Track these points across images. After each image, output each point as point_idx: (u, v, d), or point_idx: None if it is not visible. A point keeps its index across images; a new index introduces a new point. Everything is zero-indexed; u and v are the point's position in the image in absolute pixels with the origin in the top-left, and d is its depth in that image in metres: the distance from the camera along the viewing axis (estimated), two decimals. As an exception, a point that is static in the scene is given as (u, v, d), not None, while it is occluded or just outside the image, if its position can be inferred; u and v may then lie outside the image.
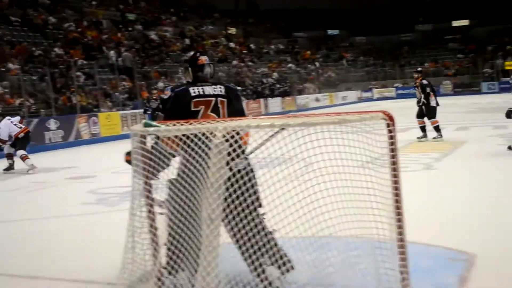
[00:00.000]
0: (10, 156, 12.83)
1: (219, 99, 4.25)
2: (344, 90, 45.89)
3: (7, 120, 12.96)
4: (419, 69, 15.14)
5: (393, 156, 3.55)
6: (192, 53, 4.57)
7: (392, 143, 3.53)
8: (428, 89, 14.02)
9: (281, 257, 3.82)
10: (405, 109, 19.48)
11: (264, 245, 3.64)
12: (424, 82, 14.16)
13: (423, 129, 13.75)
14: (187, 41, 37.06)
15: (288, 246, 3.62)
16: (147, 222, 3.98)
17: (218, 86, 4.33)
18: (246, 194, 3.53)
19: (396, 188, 3.55)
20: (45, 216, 7.65)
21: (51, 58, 23.44)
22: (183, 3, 47.10)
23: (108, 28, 32.54)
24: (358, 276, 3.64)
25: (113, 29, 32.69)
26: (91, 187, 9.58)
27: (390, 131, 3.52)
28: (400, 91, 46.01)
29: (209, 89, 4.26)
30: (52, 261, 5.42)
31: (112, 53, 27.04)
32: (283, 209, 3.44)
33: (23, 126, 13.14)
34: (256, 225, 3.58)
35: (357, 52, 56.26)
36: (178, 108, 4.13)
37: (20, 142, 12.69)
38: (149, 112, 18.08)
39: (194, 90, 4.22)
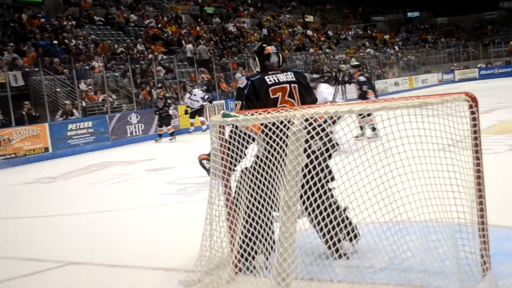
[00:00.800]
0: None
1: (292, 84, 4.42)
2: (424, 73, 44.78)
3: None
4: (355, 63, 13.35)
5: (476, 138, 3.45)
6: (259, 44, 4.77)
7: (474, 125, 3.44)
8: (365, 87, 12.66)
9: (352, 230, 4.00)
10: (489, 90, 18.83)
11: (337, 220, 3.66)
12: (361, 78, 12.77)
13: (362, 127, 11.70)
14: (265, 31, 37.16)
15: (366, 231, 3.58)
16: (225, 211, 4.05)
17: (289, 73, 4.51)
18: (320, 172, 3.55)
19: (478, 171, 3.45)
20: (126, 207, 7.88)
21: (132, 54, 24.06)
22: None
23: (187, 23, 33.07)
24: (437, 261, 3.57)
25: (192, 23, 33.20)
26: (170, 178, 9.79)
27: (472, 113, 3.43)
28: (483, 72, 44.53)
29: (282, 77, 4.44)
30: (132, 250, 5.58)
31: (189, 46, 27.46)
32: (362, 194, 3.41)
33: None
34: (328, 201, 3.61)
35: (438, 33, 54.74)
36: (256, 95, 4.23)
37: None
38: (157, 113, 18.78)
39: (269, 79, 4.38)
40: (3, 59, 18.70)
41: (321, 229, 3.68)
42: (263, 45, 4.70)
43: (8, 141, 15.42)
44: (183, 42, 28.51)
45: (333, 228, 3.60)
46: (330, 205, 3.60)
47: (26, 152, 15.51)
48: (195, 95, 19.98)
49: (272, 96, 4.31)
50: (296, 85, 4.43)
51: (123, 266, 5.08)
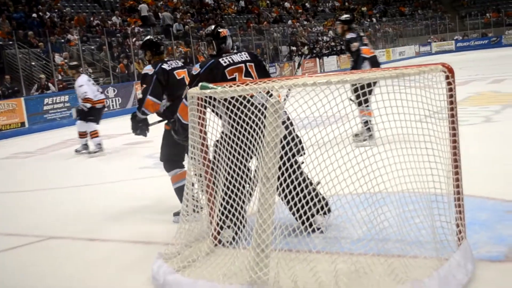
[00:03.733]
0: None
1: (247, 64, 4.53)
2: (401, 46, 44.89)
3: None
4: (342, 17, 9.29)
5: (452, 109, 3.49)
6: (213, 27, 4.83)
7: (451, 96, 3.47)
8: (356, 45, 8.57)
9: (326, 205, 4.09)
10: (465, 62, 18.95)
11: (310, 195, 3.69)
12: (349, 36, 8.66)
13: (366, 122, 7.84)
14: (242, 3, 36.90)
15: (343, 202, 3.62)
16: (203, 183, 4.06)
17: (242, 53, 4.64)
18: (287, 145, 3.57)
19: (454, 141, 3.50)
20: (103, 181, 7.86)
21: (108, 27, 23.78)
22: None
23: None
24: (413, 230, 3.62)
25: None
26: (149, 151, 9.75)
27: (449, 83, 3.46)
28: (459, 44, 44.78)
29: (236, 57, 4.55)
30: (111, 224, 5.60)
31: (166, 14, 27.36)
32: (338, 165, 3.44)
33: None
34: (296, 174, 3.63)
35: (415, 5, 54.79)
36: (213, 80, 4.14)
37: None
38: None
39: (224, 61, 4.47)
40: (-24, 32, 18.43)
41: (295, 204, 3.70)
42: (218, 28, 4.78)
43: (-17, 115, 15.26)
44: (159, 14, 28.23)
45: (307, 203, 3.62)
46: (299, 179, 3.62)
47: (2, 127, 15.34)
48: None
49: (229, 77, 4.39)
50: (252, 64, 4.54)
51: (102, 240, 5.10)
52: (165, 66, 5.61)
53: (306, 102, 3.45)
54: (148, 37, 6.09)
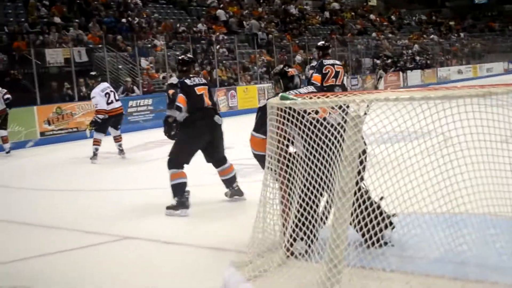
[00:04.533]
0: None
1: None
2: (489, 62, 43.48)
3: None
4: (319, 43, 9.80)
5: (541, 131, 3.34)
6: (281, 66, 5.05)
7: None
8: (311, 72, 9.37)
9: (388, 217, 3.89)
10: (558, 82, 18.09)
11: (377, 209, 3.59)
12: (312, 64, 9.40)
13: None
14: (327, 14, 36.78)
15: (420, 222, 3.52)
16: (279, 194, 4.05)
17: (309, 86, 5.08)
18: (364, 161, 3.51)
19: (542, 165, 3.35)
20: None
21: (194, 34, 24.22)
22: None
23: (249, 3, 33.03)
24: (494, 255, 3.48)
25: (254, 4, 33.15)
26: (228, 158, 9.79)
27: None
28: (552, 62, 43.02)
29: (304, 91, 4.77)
30: (187, 228, 5.68)
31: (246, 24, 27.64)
32: (418, 184, 3.35)
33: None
34: (366, 190, 3.55)
35: (506, 21, 52.99)
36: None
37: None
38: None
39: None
40: (69, 35, 19.12)
41: (363, 219, 3.58)
42: (286, 67, 4.93)
43: (71, 115, 15.82)
44: (244, 22, 28.53)
45: (375, 217, 3.52)
46: (367, 193, 3.55)
47: (87, 126, 15.84)
48: None
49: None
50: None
51: (177, 244, 5.17)
52: (187, 81, 6.54)
53: (388, 117, 3.39)
54: (181, 56, 6.75)
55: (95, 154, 11.07)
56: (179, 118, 6.43)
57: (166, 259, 4.73)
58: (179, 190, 6.26)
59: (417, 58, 35.59)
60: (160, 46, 21.32)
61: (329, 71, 8.99)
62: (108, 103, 11.19)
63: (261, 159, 4.37)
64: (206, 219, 5.98)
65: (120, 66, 19.47)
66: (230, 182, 6.81)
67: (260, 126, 4.49)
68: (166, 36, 22.82)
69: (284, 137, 3.95)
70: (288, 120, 3.77)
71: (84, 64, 18.00)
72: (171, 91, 7.05)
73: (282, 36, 28.88)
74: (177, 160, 6.30)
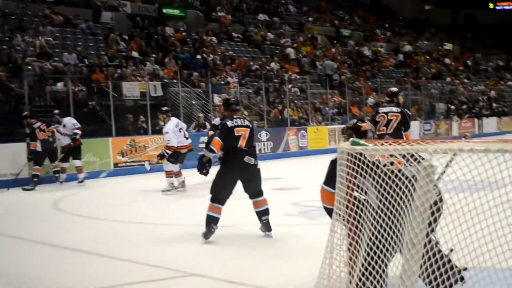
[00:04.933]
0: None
1: None
2: None
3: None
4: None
5: None
6: (354, 120, 5.10)
7: None
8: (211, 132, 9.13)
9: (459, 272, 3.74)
10: None
11: (448, 263, 3.47)
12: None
13: None
14: (400, 57, 36.54)
15: (494, 279, 3.37)
16: (347, 240, 3.99)
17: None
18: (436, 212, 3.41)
19: None
20: (248, 223, 7.94)
21: (266, 72, 24.51)
22: (399, 18, 46.56)
23: (322, 44, 33.25)
24: None
25: (327, 45, 33.35)
26: (295, 199, 9.80)
27: None
28: None
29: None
30: (251, 267, 5.66)
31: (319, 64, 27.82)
32: (497, 236, 3.23)
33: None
34: (436, 242, 3.45)
35: None
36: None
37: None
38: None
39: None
40: (145, 69, 19.69)
41: (433, 272, 3.48)
42: (359, 122, 4.96)
43: (144, 148, 16.17)
44: (317, 63, 28.68)
45: (446, 271, 3.41)
46: (438, 246, 3.45)
47: (160, 160, 16.14)
48: (64, 126, 13.63)
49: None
50: None
51: (241, 284, 5.15)
52: (229, 122, 6.99)
53: (461, 168, 3.30)
54: (227, 96, 7.04)
55: (173, 186, 11.46)
56: (218, 156, 7.01)
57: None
58: (208, 221, 6.80)
59: (494, 104, 34.76)
60: (233, 84, 21.65)
61: (381, 119, 9.05)
62: (185, 138, 11.72)
63: (330, 212, 4.32)
64: (269, 259, 5.94)
65: (193, 102, 19.85)
66: (261, 214, 7.07)
67: (331, 179, 4.44)
68: (239, 74, 23.19)
69: (354, 183, 3.90)
70: (362, 169, 3.73)
71: (158, 98, 18.45)
72: (211, 132, 7.64)
73: (355, 77, 28.85)
74: (219, 199, 6.87)
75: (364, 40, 37.17)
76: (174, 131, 11.44)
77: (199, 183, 12.58)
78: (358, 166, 3.76)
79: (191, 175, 11.63)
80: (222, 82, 21.86)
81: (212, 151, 6.97)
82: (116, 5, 24.70)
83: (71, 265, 6.19)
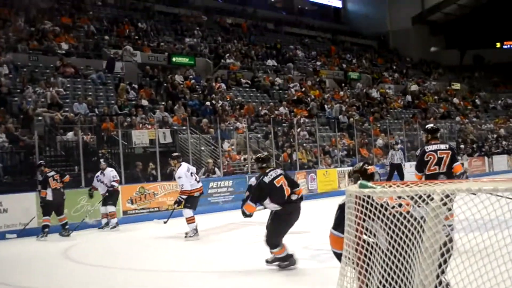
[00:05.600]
0: None
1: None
2: None
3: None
4: (428, 126, 9.51)
5: None
6: (361, 164, 5.12)
7: None
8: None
9: None
10: None
11: None
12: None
13: None
14: (409, 98, 36.67)
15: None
16: (357, 284, 3.94)
17: None
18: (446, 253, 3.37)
19: None
20: (257, 268, 7.90)
21: (275, 116, 24.64)
22: (407, 60, 46.90)
23: (330, 87, 33.48)
24: None
25: (335, 88, 33.58)
26: (305, 242, 9.73)
27: None
28: None
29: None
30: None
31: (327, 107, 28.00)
32: (509, 276, 3.18)
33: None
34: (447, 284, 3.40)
35: None
36: None
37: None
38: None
39: None
40: (155, 117, 19.84)
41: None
42: (365, 165, 4.98)
43: (153, 195, 16.18)
44: (325, 106, 28.83)
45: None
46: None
47: (169, 206, 16.11)
48: (104, 175, 14.26)
49: None
50: None
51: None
52: (265, 179, 7.51)
53: (470, 208, 3.28)
54: (257, 155, 8.36)
55: (196, 231, 11.55)
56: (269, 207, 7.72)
57: None
58: (283, 259, 7.51)
59: (504, 142, 34.67)
60: (242, 129, 21.75)
61: (430, 158, 8.52)
62: (197, 181, 11.91)
63: (340, 257, 4.29)
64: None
65: (202, 148, 19.92)
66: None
67: (339, 224, 4.42)
68: (248, 119, 23.30)
69: (363, 226, 3.88)
70: (370, 211, 3.71)
71: (168, 145, 18.55)
72: (247, 193, 7.93)
73: (363, 119, 28.93)
74: (276, 244, 7.47)
75: (372, 82, 37.42)
76: (186, 175, 11.52)
77: (212, 228, 12.60)
78: (367, 208, 3.74)
79: (202, 220, 11.68)
80: (231, 128, 21.98)
81: (245, 214, 7.74)
82: (128, 57, 25.04)
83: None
